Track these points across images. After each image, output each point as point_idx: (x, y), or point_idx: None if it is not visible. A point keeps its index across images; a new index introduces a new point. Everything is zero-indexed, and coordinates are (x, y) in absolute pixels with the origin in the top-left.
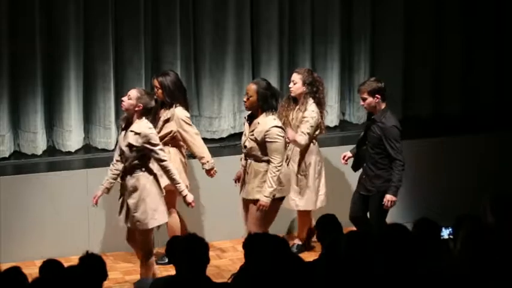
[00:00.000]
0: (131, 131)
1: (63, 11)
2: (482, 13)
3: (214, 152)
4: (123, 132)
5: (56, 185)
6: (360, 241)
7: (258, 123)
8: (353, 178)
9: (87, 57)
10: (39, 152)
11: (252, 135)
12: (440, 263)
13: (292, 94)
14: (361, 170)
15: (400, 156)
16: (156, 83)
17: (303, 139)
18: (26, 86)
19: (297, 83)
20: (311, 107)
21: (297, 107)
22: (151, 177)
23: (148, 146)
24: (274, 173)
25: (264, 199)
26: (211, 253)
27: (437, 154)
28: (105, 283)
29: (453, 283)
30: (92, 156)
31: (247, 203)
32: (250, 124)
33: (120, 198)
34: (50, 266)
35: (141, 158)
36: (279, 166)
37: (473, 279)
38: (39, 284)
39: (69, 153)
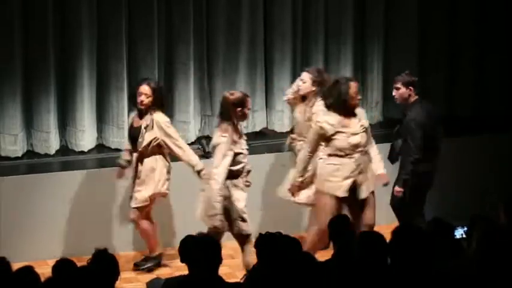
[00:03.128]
0: None
1: (76, 11)
2: (494, 18)
3: None
4: None
5: (68, 184)
6: (373, 241)
7: (357, 115)
8: None
9: (100, 57)
10: (52, 152)
11: (364, 128)
12: (453, 263)
13: (301, 93)
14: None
15: (413, 150)
16: (146, 90)
17: None
18: (39, 85)
19: (306, 82)
20: (319, 105)
21: (304, 102)
22: None
23: None
24: None
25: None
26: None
27: (450, 154)
28: (118, 283)
29: (466, 283)
30: (105, 156)
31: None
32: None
33: None
34: (63, 266)
35: None
36: None
37: (486, 279)
38: (52, 284)
39: (82, 152)
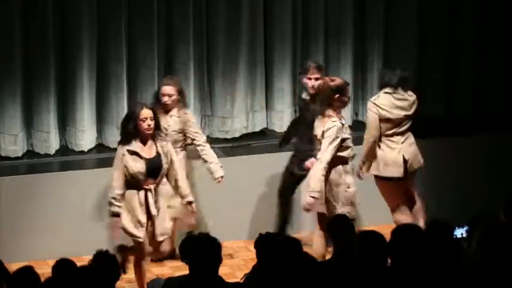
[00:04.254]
0: None
1: (76, 11)
2: (494, 18)
3: (226, 152)
4: None
5: (68, 184)
6: (373, 241)
7: None
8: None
9: (100, 57)
10: (52, 152)
11: None
12: (452, 263)
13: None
14: None
15: None
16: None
17: None
18: (39, 85)
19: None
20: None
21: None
22: None
23: None
24: None
25: None
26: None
27: (449, 154)
28: (118, 283)
29: (466, 283)
30: (104, 156)
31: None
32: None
33: None
34: (63, 266)
35: None
36: None
37: (486, 279)
38: (52, 284)
39: (81, 152)
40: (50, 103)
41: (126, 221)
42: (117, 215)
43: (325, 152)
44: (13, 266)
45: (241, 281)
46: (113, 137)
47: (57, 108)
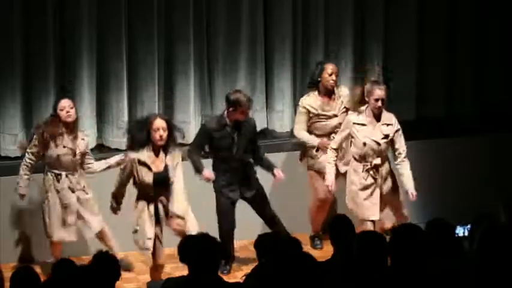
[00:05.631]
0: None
1: (76, 11)
2: (494, 18)
3: None
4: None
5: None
6: (373, 241)
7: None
8: None
9: (100, 57)
10: None
11: None
12: (453, 263)
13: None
14: None
15: None
16: (164, 123)
17: None
18: (39, 85)
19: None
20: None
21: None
22: None
23: None
24: None
25: None
26: None
27: (450, 154)
28: (118, 283)
29: (466, 283)
30: (104, 156)
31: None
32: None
33: None
34: (63, 266)
35: None
36: None
37: (487, 279)
38: (52, 284)
39: None
40: (50, 103)
41: (137, 233)
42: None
43: None
44: (13, 266)
45: (241, 281)
46: (112, 137)
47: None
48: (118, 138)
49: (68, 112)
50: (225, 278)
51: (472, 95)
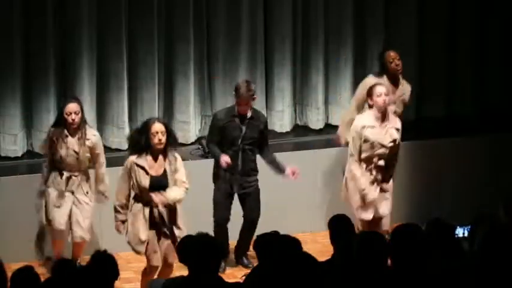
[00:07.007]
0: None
1: (76, 11)
2: (495, 14)
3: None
4: None
5: None
6: (373, 241)
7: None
8: None
9: (100, 57)
10: None
11: None
12: (453, 263)
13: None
14: None
15: None
16: (162, 127)
17: None
18: (39, 85)
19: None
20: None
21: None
22: None
23: None
24: None
25: None
26: None
27: (450, 154)
28: (117, 282)
29: (466, 283)
30: (105, 156)
31: None
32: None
33: None
34: (62, 265)
35: None
36: None
37: (487, 279)
38: (52, 284)
39: None
40: (50, 103)
41: (130, 234)
42: (122, 221)
43: None
44: (13, 266)
45: (241, 281)
46: (113, 137)
47: (57, 108)
48: (118, 138)
49: (73, 119)
50: (224, 278)
51: (472, 95)
